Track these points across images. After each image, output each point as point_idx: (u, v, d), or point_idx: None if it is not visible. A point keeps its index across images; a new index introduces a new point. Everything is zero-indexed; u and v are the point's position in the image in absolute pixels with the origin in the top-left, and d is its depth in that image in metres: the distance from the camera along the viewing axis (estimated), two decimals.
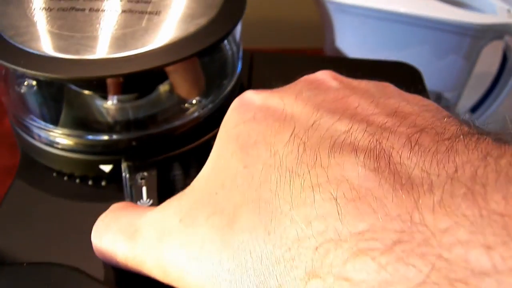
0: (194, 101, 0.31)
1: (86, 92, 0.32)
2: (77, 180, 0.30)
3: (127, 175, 0.28)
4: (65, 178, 0.31)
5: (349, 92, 0.23)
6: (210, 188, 0.22)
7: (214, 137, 0.30)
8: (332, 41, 0.63)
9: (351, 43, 0.62)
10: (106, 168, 0.30)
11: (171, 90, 0.33)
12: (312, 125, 0.21)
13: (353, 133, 0.20)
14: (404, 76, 0.38)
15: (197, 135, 0.30)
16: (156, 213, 0.22)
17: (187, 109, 0.31)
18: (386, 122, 0.20)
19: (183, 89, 0.31)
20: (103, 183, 0.30)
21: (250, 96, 0.24)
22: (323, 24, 0.64)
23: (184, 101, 0.31)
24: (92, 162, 0.30)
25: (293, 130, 0.21)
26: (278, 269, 0.18)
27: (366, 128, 0.20)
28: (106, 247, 0.23)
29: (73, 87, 0.32)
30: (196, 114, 0.30)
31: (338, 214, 0.17)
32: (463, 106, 0.66)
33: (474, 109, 0.64)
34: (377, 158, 0.18)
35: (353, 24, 0.59)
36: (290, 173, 0.19)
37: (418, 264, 0.15)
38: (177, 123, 0.30)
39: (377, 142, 0.19)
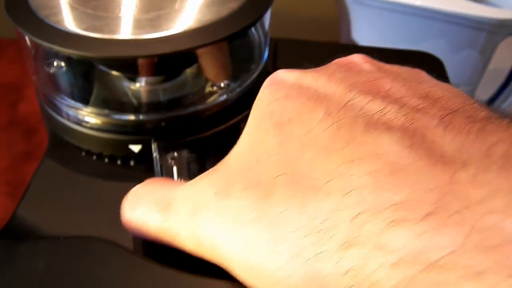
0: (222, 85, 0.31)
1: (115, 73, 0.32)
2: (106, 160, 0.31)
3: (158, 155, 0.29)
4: (94, 157, 0.31)
5: (382, 75, 0.24)
6: (245, 163, 0.22)
7: (242, 120, 0.30)
8: (348, 34, 0.63)
9: (367, 36, 0.62)
10: (135, 148, 0.30)
11: (199, 73, 0.33)
12: (346, 104, 0.21)
13: (386, 113, 0.20)
14: (426, 66, 0.38)
15: (226, 118, 0.31)
16: (190, 187, 0.23)
17: (215, 92, 0.31)
18: (418, 105, 0.21)
19: (213, 71, 0.31)
20: (132, 163, 0.31)
21: (282, 75, 0.25)
22: (339, 17, 0.64)
23: (212, 84, 0.31)
24: (122, 142, 0.30)
25: (327, 109, 0.21)
26: (313, 240, 0.18)
27: (398, 109, 0.20)
28: (138, 218, 0.24)
29: (103, 68, 0.32)
30: (224, 97, 0.31)
31: (374, 187, 0.18)
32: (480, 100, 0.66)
33: (488, 103, 0.64)
34: (412, 136, 0.19)
35: (369, 16, 0.60)
36: (326, 149, 0.20)
37: (452, 232, 0.15)
38: (205, 105, 0.30)
39: (411, 122, 0.20)
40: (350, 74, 0.24)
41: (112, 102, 0.31)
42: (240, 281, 0.20)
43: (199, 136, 0.30)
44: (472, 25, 0.56)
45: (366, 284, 0.16)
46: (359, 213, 0.17)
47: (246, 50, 0.34)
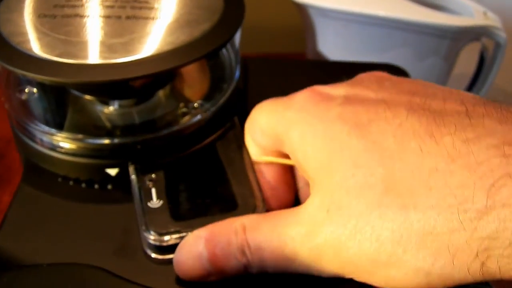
0: (195, 105, 0.32)
1: (88, 97, 0.32)
2: (83, 185, 0.31)
3: (135, 178, 0.29)
4: (71, 182, 0.31)
5: (416, 84, 0.25)
6: (344, 170, 0.23)
7: (217, 139, 0.31)
8: (314, 45, 0.64)
9: (333, 47, 0.63)
10: (112, 171, 0.30)
11: (171, 94, 0.33)
12: (424, 103, 0.23)
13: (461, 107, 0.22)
14: None
15: (201, 137, 0.31)
16: (302, 213, 0.24)
17: (189, 112, 0.31)
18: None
19: (188, 91, 0.32)
20: (109, 187, 0.31)
21: (322, 89, 0.27)
22: (304, 29, 0.65)
23: (185, 104, 0.32)
24: (98, 166, 0.30)
25: (407, 106, 0.23)
26: (447, 217, 0.19)
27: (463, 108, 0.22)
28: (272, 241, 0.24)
29: (76, 92, 0.32)
30: (198, 117, 0.31)
31: (504, 155, 0.19)
32: None
33: None
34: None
35: (335, 28, 0.61)
36: (430, 137, 0.21)
37: None
38: (180, 126, 0.31)
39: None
40: (392, 83, 0.26)
41: (86, 126, 0.31)
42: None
43: (176, 157, 0.30)
44: (436, 33, 0.57)
45: (505, 244, 0.18)
46: (497, 179, 0.19)
47: (217, 69, 0.35)
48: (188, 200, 0.28)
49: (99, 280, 0.23)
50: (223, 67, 0.35)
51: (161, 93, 0.33)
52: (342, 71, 0.40)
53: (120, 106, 0.32)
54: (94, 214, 0.29)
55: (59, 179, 0.31)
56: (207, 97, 0.32)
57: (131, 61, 0.27)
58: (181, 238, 0.27)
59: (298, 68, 0.40)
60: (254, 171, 0.30)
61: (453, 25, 0.56)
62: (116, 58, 0.27)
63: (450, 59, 0.60)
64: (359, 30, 0.59)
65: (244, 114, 0.35)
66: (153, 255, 0.27)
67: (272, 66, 0.40)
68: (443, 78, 0.61)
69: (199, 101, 0.32)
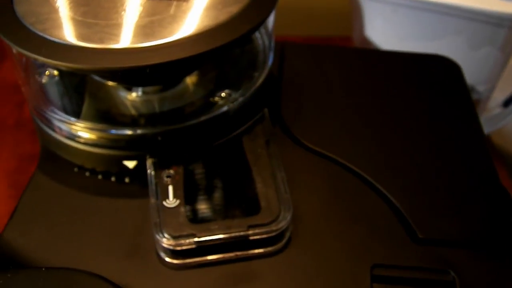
0: (223, 94, 0.29)
1: (110, 83, 0.30)
2: (99, 176, 0.29)
3: (153, 172, 0.27)
4: (87, 173, 0.29)
5: None
6: None
7: (244, 132, 0.28)
8: (361, 29, 0.60)
9: (380, 32, 0.59)
10: (130, 164, 0.28)
11: (199, 82, 0.31)
12: None
13: None
14: (441, 71, 0.36)
15: (226, 130, 0.29)
16: None
17: (216, 102, 0.29)
18: None
19: (215, 80, 0.29)
20: (127, 180, 0.29)
21: None
22: (351, 12, 0.62)
23: (213, 93, 0.29)
24: (115, 157, 0.28)
25: None
26: None
27: None
28: None
29: (96, 77, 0.30)
30: (225, 108, 0.28)
31: None
32: (496, 100, 0.63)
33: (507, 103, 0.62)
34: None
35: (383, 12, 0.57)
36: None
37: None
38: (205, 117, 0.28)
39: None
40: None
41: (107, 115, 0.29)
42: None
43: (197, 151, 0.28)
44: (492, 22, 0.53)
45: None
46: None
47: (248, 56, 0.32)
48: (207, 200, 0.26)
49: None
50: (255, 53, 0.32)
51: (187, 81, 0.31)
52: (384, 61, 0.37)
53: (144, 93, 0.30)
54: (108, 208, 0.27)
55: (75, 169, 0.29)
56: (236, 86, 0.30)
57: (148, 47, 0.24)
58: (197, 242, 0.24)
59: (338, 55, 0.37)
60: (282, 170, 0.27)
61: (511, 12, 0.52)
62: (134, 42, 0.25)
63: (506, 50, 0.55)
64: (408, 16, 0.56)
65: (276, 105, 0.32)
66: (167, 259, 0.25)
67: (311, 53, 0.37)
68: (498, 70, 0.57)
69: (227, 91, 0.29)
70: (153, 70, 0.25)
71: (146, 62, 0.24)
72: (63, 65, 0.24)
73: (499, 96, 0.62)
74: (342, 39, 0.66)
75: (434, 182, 0.29)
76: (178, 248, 0.25)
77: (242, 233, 0.25)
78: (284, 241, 0.26)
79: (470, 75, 0.58)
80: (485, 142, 0.31)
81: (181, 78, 0.30)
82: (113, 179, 0.29)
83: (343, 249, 0.26)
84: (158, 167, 0.27)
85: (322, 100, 0.33)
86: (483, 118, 0.63)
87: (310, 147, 0.30)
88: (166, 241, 0.24)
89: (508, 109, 0.61)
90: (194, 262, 0.25)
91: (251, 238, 0.25)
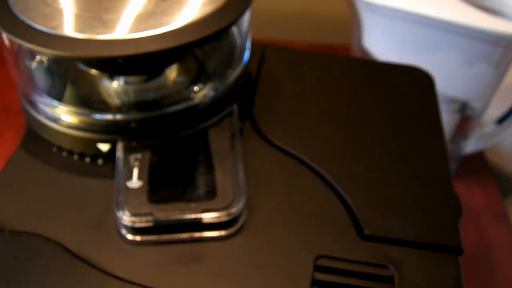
0: (196, 88, 0.31)
1: (93, 71, 0.32)
2: (75, 157, 0.31)
3: (121, 155, 0.29)
4: (64, 153, 0.31)
5: None
6: None
7: (211, 125, 0.30)
8: (360, 40, 0.62)
9: (378, 43, 0.61)
10: (104, 147, 0.30)
11: (178, 76, 0.33)
12: None
13: None
14: (415, 81, 0.37)
15: (195, 122, 0.30)
16: None
17: (189, 95, 0.31)
18: None
19: (189, 74, 0.31)
20: (100, 162, 0.31)
21: None
22: (351, 22, 0.63)
23: (187, 87, 0.31)
24: (91, 140, 0.30)
25: None
26: None
27: None
28: None
29: (81, 66, 0.32)
30: (196, 101, 0.30)
31: None
32: (490, 117, 0.64)
33: (500, 120, 0.63)
34: None
35: (382, 24, 0.58)
36: None
37: None
38: (176, 108, 0.30)
39: None
40: None
41: (86, 100, 0.31)
42: None
43: (166, 139, 0.30)
44: (488, 40, 0.54)
45: None
46: None
47: (225, 54, 0.34)
48: (168, 183, 0.28)
49: (55, 255, 0.23)
50: (231, 51, 0.34)
51: (167, 74, 0.33)
52: (361, 69, 0.38)
53: (125, 83, 0.32)
54: (79, 186, 0.29)
55: (54, 149, 0.31)
56: (210, 81, 0.32)
57: (124, 39, 0.26)
58: (154, 221, 0.26)
59: (317, 61, 0.38)
60: (242, 162, 0.29)
61: (507, 32, 0.52)
62: (121, 34, 0.27)
63: (501, 68, 0.56)
64: (407, 29, 0.57)
65: (249, 103, 0.34)
66: (126, 235, 0.27)
67: (291, 57, 0.38)
68: (492, 87, 0.58)
69: (201, 85, 0.31)
70: (126, 60, 0.27)
71: (117, 53, 0.26)
72: (41, 50, 0.26)
73: (493, 113, 0.63)
74: (341, 47, 0.67)
75: (388, 184, 0.30)
76: (137, 226, 0.27)
77: (196, 216, 0.26)
78: (236, 227, 0.27)
79: (465, 91, 0.59)
80: (445, 150, 0.33)
81: (158, 70, 0.32)
82: (87, 160, 0.31)
83: (292, 239, 0.28)
84: (127, 150, 0.29)
85: (294, 102, 0.35)
86: (477, 135, 0.64)
87: (275, 144, 0.32)
88: (125, 218, 0.26)
89: (502, 126, 0.62)
90: (151, 239, 0.27)
91: (205, 221, 0.27)
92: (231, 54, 0.34)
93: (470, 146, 0.65)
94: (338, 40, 0.71)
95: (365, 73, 0.38)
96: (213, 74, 0.32)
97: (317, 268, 0.26)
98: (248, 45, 0.34)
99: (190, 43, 0.27)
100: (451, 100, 0.60)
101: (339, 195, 0.30)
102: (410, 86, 0.37)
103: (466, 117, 0.62)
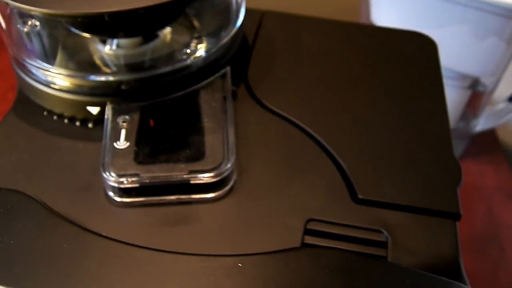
0: (188, 50, 0.30)
1: (86, 35, 0.32)
2: (66, 120, 0.30)
3: (110, 117, 0.28)
4: (55, 117, 0.30)
5: None
6: None
7: (203, 87, 0.29)
8: (367, 14, 0.61)
9: (387, 17, 0.59)
10: (94, 110, 0.29)
11: (172, 39, 0.32)
12: None
13: None
14: (418, 46, 0.36)
15: (186, 84, 0.30)
16: None
17: (181, 57, 0.30)
18: None
19: (182, 35, 0.31)
20: (90, 125, 0.30)
21: None
22: None
23: (178, 48, 0.30)
24: (81, 103, 0.30)
25: None
26: None
27: None
28: None
29: (74, 30, 0.31)
30: (187, 62, 0.30)
31: None
32: (501, 95, 0.63)
33: (509, 99, 0.61)
34: None
35: None
36: None
37: None
38: (167, 69, 0.29)
39: None
40: None
41: (77, 63, 0.31)
42: None
43: (157, 101, 0.29)
44: (500, 12, 0.52)
45: None
46: None
47: (216, 14, 0.33)
48: (155, 145, 0.27)
49: (30, 209, 0.23)
50: (225, 13, 0.33)
51: (161, 37, 0.32)
52: (362, 34, 0.37)
53: (118, 47, 0.31)
54: (68, 149, 0.29)
55: (45, 113, 0.31)
56: (202, 43, 0.31)
57: None
58: (139, 182, 0.26)
59: (317, 26, 0.37)
60: (234, 125, 0.28)
61: None
62: None
63: None
64: (416, 2, 0.56)
65: (244, 66, 0.33)
66: (113, 197, 0.26)
67: (289, 22, 0.37)
68: (504, 63, 0.56)
69: (193, 47, 0.30)
70: (112, 18, 0.26)
71: (102, 10, 0.25)
72: (25, 7, 0.26)
73: (505, 91, 0.62)
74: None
75: (386, 148, 0.29)
76: (123, 186, 0.26)
77: (183, 177, 0.26)
78: (225, 189, 0.27)
79: (475, 66, 0.57)
80: (446, 115, 0.31)
81: (150, 32, 0.31)
82: (78, 123, 0.30)
83: (283, 203, 0.27)
84: (116, 112, 0.28)
85: (291, 67, 0.34)
86: (488, 112, 0.63)
87: (269, 108, 0.31)
88: (111, 179, 0.26)
89: None
90: (138, 201, 0.26)
91: (192, 182, 0.26)
92: (225, 16, 0.33)
93: (481, 123, 0.63)
94: (346, 16, 0.70)
95: (366, 38, 0.37)
96: (206, 36, 0.32)
97: (308, 232, 0.26)
98: (243, 6, 0.33)
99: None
100: (462, 76, 0.59)
101: (333, 159, 0.29)
102: (412, 51, 0.36)
103: (477, 93, 0.61)
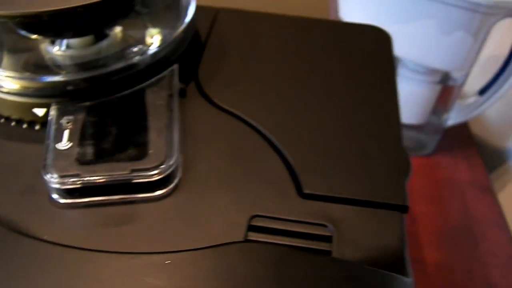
0: (136, 48, 0.30)
1: (34, 36, 0.31)
2: (13, 123, 0.30)
3: (54, 118, 0.28)
4: (2, 120, 0.30)
5: None
6: None
7: (149, 86, 0.29)
8: (336, 11, 0.61)
9: (355, 14, 0.59)
10: (40, 111, 0.29)
11: (121, 39, 0.32)
12: None
13: None
14: (372, 39, 0.36)
15: (133, 82, 0.29)
16: None
17: (129, 54, 0.30)
18: None
19: (129, 34, 0.30)
20: (37, 127, 0.30)
21: None
22: None
23: (125, 47, 0.30)
24: (26, 105, 0.29)
25: None
26: None
27: None
28: None
29: (20, 31, 0.31)
30: (134, 60, 0.29)
31: None
32: (472, 88, 0.63)
33: (482, 91, 0.61)
34: None
35: None
36: None
37: None
38: (113, 68, 0.29)
39: None
40: None
41: (24, 65, 0.30)
42: None
43: (102, 100, 0.29)
44: (465, 6, 0.52)
45: None
46: None
47: (164, 13, 0.33)
48: (97, 144, 0.27)
49: None
50: (173, 11, 0.33)
51: (108, 37, 0.32)
52: (317, 29, 0.37)
53: (67, 47, 0.31)
54: (14, 152, 0.29)
55: None
56: (149, 42, 0.31)
57: None
58: (81, 182, 0.25)
59: (273, 23, 0.37)
60: (179, 123, 0.28)
61: None
62: None
63: (480, 36, 0.55)
64: None
65: (194, 64, 0.33)
66: (56, 199, 0.26)
67: (244, 19, 0.37)
68: (472, 56, 0.57)
69: (140, 46, 0.30)
70: (52, 18, 0.26)
71: (40, 9, 0.25)
72: None
73: (475, 84, 0.62)
74: None
75: (334, 142, 0.29)
76: (64, 188, 0.26)
77: (124, 176, 0.26)
78: (170, 187, 0.27)
79: (444, 60, 0.58)
80: (397, 108, 0.31)
81: (97, 31, 0.31)
82: (25, 126, 0.30)
83: (228, 200, 0.27)
84: (60, 113, 0.28)
85: (243, 64, 0.34)
86: (459, 106, 0.63)
87: (218, 105, 0.31)
88: (52, 181, 0.25)
89: (484, 96, 0.61)
90: (82, 202, 0.26)
91: (134, 181, 0.26)
92: (175, 13, 0.33)
93: (453, 117, 0.63)
94: (315, 14, 0.70)
95: (321, 33, 0.36)
96: (156, 34, 0.31)
97: (251, 228, 0.25)
98: (193, 3, 0.33)
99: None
100: (432, 71, 0.59)
101: (281, 154, 0.28)
102: (366, 44, 0.35)
103: (448, 88, 0.61)
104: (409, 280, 0.24)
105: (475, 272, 0.53)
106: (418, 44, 0.56)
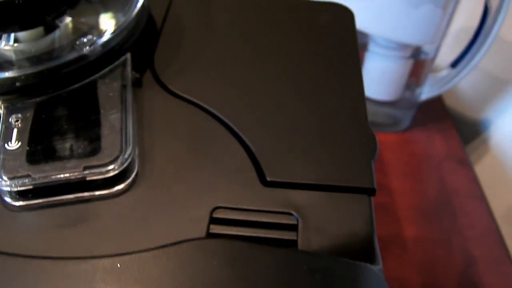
0: (86, 39, 0.29)
1: None
2: None
3: (3, 117, 0.27)
4: None
5: None
6: None
7: (101, 77, 0.28)
8: None
9: None
10: None
11: (71, 30, 0.30)
12: None
13: None
14: (334, 17, 0.35)
15: (83, 74, 0.28)
16: None
17: (78, 46, 0.28)
18: None
19: (78, 24, 0.29)
20: None
21: None
22: None
23: (74, 38, 0.29)
24: None
25: None
26: None
27: None
28: None
29: None
30: (84, 51, 0.28)
31: None
32: (444, 61, 0.62)
33: (454, 63, 0.61)
34: None
35: None
36: None
37: None
38: (62, 60, 0.28)
39: None
40: None
41: None
42: None
43: (51, 95, 0.28)
44: None
45: None
46: None
47: (112, 2, 0.31)
48: (48, 143, 0.25)
49: None
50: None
51: (57, 26, 0.30)
52: (280, 8, 0.36)
53: (15, 41, 0.29)
54: None
55: None
56: (98, 31, 0.29)
57: None
58: (33, 183, 0.24)
59: (233, 3, 0.36)
60: (133, 114, 0.27)
61: None
62: None
63: (449, 9, 0.54)
64: None
65: (150, 51, 0.32)
66: (9, 202, 0.25)
67: (200, 2, 0.36)
68: (442, 29, 0.56)
69: (90, 36, 0.29)
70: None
71: None
72: None
73: (446, 57, 0.61)
74: None
75: (298, 126, 0.28)
76: (15, 189, 0.24)
77: (76, 174, 0.24)
78: (126, 183, 0.25)
79: (414, 35, 0.57)
80: (361, 86, 0.30)
81: (40, 21, 0.29)
82: None
83: (189, 192, 0.26)
84: (9, 111, 0.27)
85: (201, 49, 0.33)
86: (432, 80, 0.62)
87: (176, 93, 0.30)
88: (3, 183, 0.24)
89: (456, 69, 0.60)
90: (35, 204, 0.25)
91: (88, 178, 0.25)
92: (122, 2, 0.31)
93: (426, 92, 0.63)
94: None
95: (282, 12, 0.35)
96: (107, 23, 0.30)
97: (213, 221, 0.24)
98: None
99: None
100: (403, 46, 0.58)
101: (242, 142, 0.27)
102: (327, 21, 0.34)
103: (420, 62, 0.60)
104: (377, 267, 0.23)
105: (455, 245, 0.53)
106: (387, 20, 0.56)
